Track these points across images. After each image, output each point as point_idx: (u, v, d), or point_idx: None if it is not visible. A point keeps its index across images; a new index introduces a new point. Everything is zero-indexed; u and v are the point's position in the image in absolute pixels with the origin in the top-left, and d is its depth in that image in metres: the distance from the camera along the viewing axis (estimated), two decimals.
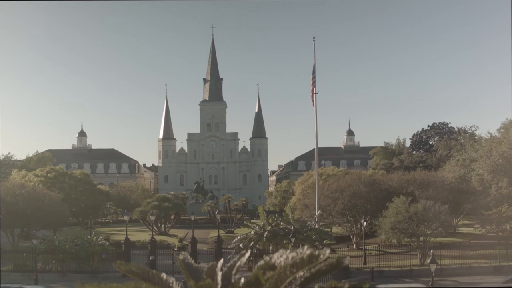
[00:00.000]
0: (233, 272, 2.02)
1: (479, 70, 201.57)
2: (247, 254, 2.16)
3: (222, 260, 2.16)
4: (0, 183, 49.43)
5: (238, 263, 2.09)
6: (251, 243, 37.93)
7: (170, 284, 2.04)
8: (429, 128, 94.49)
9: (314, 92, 48.81)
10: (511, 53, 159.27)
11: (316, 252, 1.91)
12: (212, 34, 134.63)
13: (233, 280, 1.99)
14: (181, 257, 2.35)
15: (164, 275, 2.24)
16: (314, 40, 50.47)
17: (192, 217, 53.95)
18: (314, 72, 49.05)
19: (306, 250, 1.96)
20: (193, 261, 2.32)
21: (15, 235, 46.12)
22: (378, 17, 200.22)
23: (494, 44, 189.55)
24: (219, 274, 2.06)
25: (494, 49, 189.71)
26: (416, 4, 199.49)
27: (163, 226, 61.33)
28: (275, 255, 2.04)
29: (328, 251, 1.87)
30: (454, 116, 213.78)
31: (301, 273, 1.90)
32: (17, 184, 50.46)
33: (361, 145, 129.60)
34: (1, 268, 34.60)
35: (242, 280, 2.06)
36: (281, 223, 39.73)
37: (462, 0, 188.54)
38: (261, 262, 1.96)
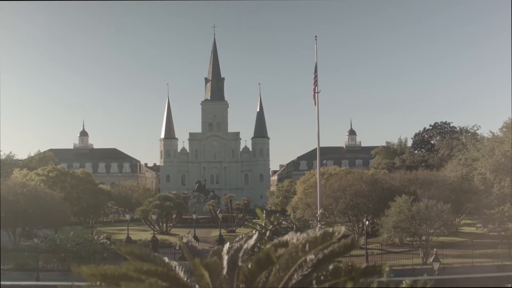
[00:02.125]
0: (240, 255, 1.93)
1: (479, 70, 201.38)
2: (254, 237, 2.08)
3: (228, 243, 2.07)
4: (0, 182, 49.40)
5: (245, 246, 2.00)
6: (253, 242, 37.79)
7: (173, 267, 1.95)
8: (431, 127, 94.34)
9: (316, 91, 48.65)
10: (511, 52, 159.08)
11: (330, 230, 1.82)
12: (214, 34, 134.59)
13: (240, 263, 1.90)
14: (184, 240, 2.26)
15: (166, 258, 2.16)
16: (316, 39, 50.35)
17: (194, 216, 53.87)
18: (316, 71, 48.88)
19: (319, 230, 1.88)
20: (197, 244, 2.24)
21: (16, 234, 46.08)
22: (378, 17, 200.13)
23: (494, 44, 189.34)
24: (225, 257, 1.97)
25: (494, 49, 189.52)
26: (416, 4, 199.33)
27: (164, 225, 61.25)
28: (287, 236, 1.96)
29: (343, 228, 1.79)
30: (455, 115, 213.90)
31: (312, 256, 1.81)
32: (19, 183, 50.44)
33: (363, 144, 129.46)
34: (2, 267, 34.56)
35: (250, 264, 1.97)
36: (283, 222, 39.63)
37: (462, 0, 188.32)
38: (274, 241, 1.89)
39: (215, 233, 55.08)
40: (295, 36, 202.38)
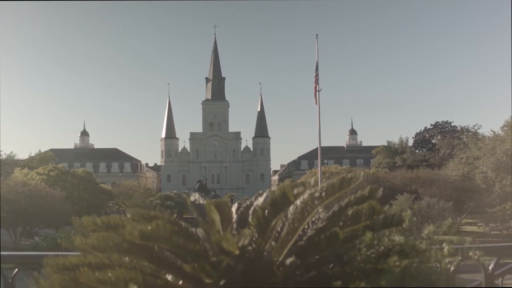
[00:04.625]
0: (250, 212, 1.86)
1: (480, 70, 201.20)
2: (265, 194, 2.01)
3: (236, 204, 2.00)
4: (1, 181, 49.34)
5: (255, 203, 1.93)
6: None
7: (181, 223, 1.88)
8: (432, 127, 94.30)
9: (317, 89, 48.49)
10: (511, 52, 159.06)
11: (349, 175, 1.75)
12: (215, 34, 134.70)
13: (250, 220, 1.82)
14: (192, 198, 2.19)
15: (175, 215, 2.10)
16: (317, 38, 50.20)
17: (195, 215, 53.92)
18: (317, 69, 48.72)
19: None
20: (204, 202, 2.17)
21: (17, 233, 46.03)
22: (378, 17, 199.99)
23: (494, 44, 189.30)
24: (235, 216, 1.90)
25: (494, 48, 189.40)
26: (416, 4, 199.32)
27: None
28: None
29: (362, 173, 1.72)
30: (456, 115, 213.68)
31: (321, 216, 1.73)
32: (20, 182, 50.41)
33: (364, 144, 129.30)
34: (3, 266, 34.52)
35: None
36: None
37: (462, 0, 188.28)
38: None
39: None
40: (296, 36, 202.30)
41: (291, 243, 1.69)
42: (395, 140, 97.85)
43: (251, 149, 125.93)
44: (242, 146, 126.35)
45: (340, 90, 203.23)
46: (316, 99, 48.73)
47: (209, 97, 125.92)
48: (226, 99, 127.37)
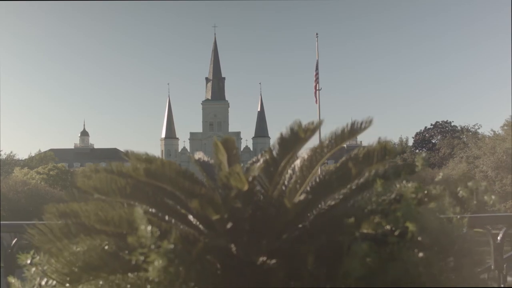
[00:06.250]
0: (253, 173, 1.79)
1: (480, 69, 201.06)
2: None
3: (242, 165, 1.93)
4: (0, 180, 49.29)
5: (258, 163, 1.86)
6: None
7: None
8: (432, 126, 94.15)
9: (317, 88, 48.43)
10: (511, 52, 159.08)
11: (359, 121, 1.67)
12: (214, 33, 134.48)
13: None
14: (196, 156, 2.12)
15: None
16: (317, 37, 50.15)
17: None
18: (317, 68, 48.66)
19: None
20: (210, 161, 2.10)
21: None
22: (378, 17, 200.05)
23: (494, 44, 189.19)
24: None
25: (494, 48, 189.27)
26: (416, 4, 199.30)
27: None
28: None
29: (371, 119, 1.64)
30: (456, 114, 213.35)
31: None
32: (20, 181, 50.34)
33: (364, 144, 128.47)
34: (3, 265, 34.42)
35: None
36: None
37: (462, 0, 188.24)
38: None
39: None
40: (296, 36, 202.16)
41: (303, 186, 1.62)
42: (395, 140, 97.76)
43: (251, 149, 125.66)
44: (242, 146, 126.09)
45: (340, 90, 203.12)
46: (316, 98, 48.66)
47: (209, 97, 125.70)
48: (226, 99, 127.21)
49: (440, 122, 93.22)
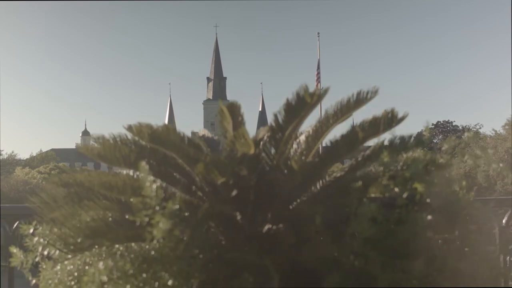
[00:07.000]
0: (261, 135, 1.76)
1: (480, 69, 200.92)
2: None
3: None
4: (1, 179, 49.28)
5: (262, 133, 1.83)
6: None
7: None
8: (433, 126, 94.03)
9: (319, 87, 48.37)
10: (511, 52, 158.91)
11: (362, 95, 1.64)
12: (216, 33, 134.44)
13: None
14: (201, 133, 2.10)
15: None
16: (318, 36, 50.09)
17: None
18: (318, 67, 48.62)
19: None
20: (216, 137, 2.08)
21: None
22: (379, 16, 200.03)
23: (494, 43, 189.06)
24: None
25: (494, 48, 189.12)
26: (417, 4, 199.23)
27: None
28: None
29: (377, 89, 1.62)
30: (457, 114, 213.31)
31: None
32: (21, 180, 50.34)
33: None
34: (3, 264, 34.39)
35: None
36: None
37: (462, 0, 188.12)
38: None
39: None
40: (297, 35, 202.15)
41: (311, 152, 1.60)
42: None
43: None
44: None
45: (339, 89, 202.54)
46: None
47: (210, 97, 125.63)
48: (228, 98, 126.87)
49: (441, 122, 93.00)
